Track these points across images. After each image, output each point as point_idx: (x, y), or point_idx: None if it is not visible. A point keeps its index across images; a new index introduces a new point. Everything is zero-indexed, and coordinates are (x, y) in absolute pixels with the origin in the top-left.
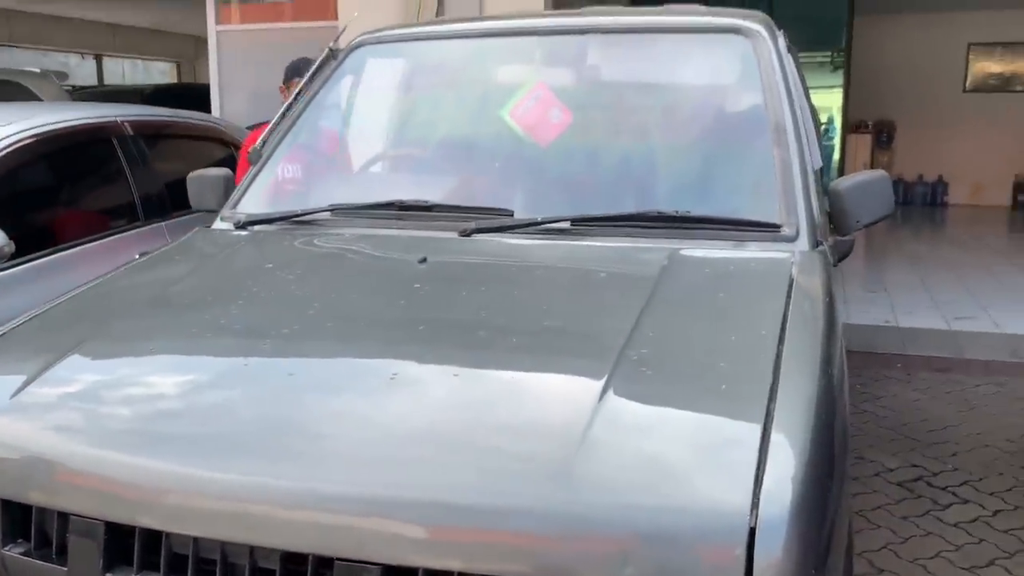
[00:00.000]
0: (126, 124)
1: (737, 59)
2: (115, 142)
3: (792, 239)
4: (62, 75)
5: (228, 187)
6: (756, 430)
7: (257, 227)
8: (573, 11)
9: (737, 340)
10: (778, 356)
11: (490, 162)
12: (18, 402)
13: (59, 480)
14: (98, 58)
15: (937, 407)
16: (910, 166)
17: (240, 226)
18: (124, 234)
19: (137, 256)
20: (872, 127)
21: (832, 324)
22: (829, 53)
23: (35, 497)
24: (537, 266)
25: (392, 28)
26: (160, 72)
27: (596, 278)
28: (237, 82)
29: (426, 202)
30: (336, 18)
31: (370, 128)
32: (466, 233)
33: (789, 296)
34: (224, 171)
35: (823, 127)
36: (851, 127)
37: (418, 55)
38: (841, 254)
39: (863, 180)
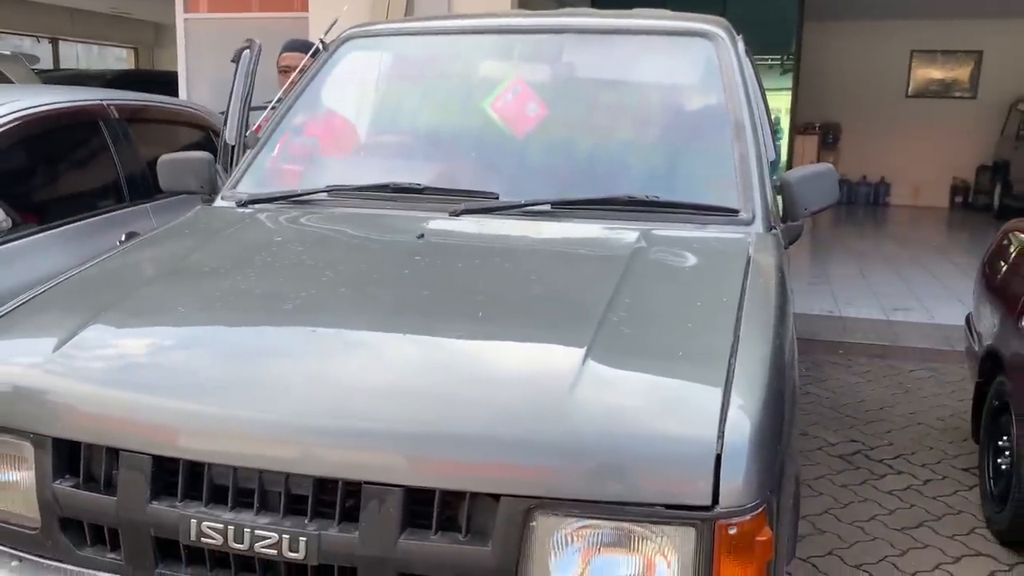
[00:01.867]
0: (112, 107)
1: (701, 60)
2: (102, 125)
3: (749, 222)
4: (33, 58)
5: (211, 170)
6: (720, 378)
7: (258, 205)
8: (550, 11)
9: (702, 306)
10: (738, 320)
11: (476, 149)
12: (62, 354)
13: (111, 420)
14: (54, 42)
15: (875, 389)
16: (854, 167)
17: (242, 204)
18: (111, 214)
19: (123, 236)
20: (819, 128)
21: (783, 296)
22: (779, 56)
23: (86, 436)
24: (523, 242)
25: (378, 23)
26: (116, 58)
27: (577, 253)
28: (204, 70)
29: (418, 184)
30: (304, 10)
31: (360, 116)
32: (456, 213)
33: (747, 271)
34: (206, 155)
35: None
36: (799, 128)
37: (404, 49)
38: (791, 238)
39: (811, 172)
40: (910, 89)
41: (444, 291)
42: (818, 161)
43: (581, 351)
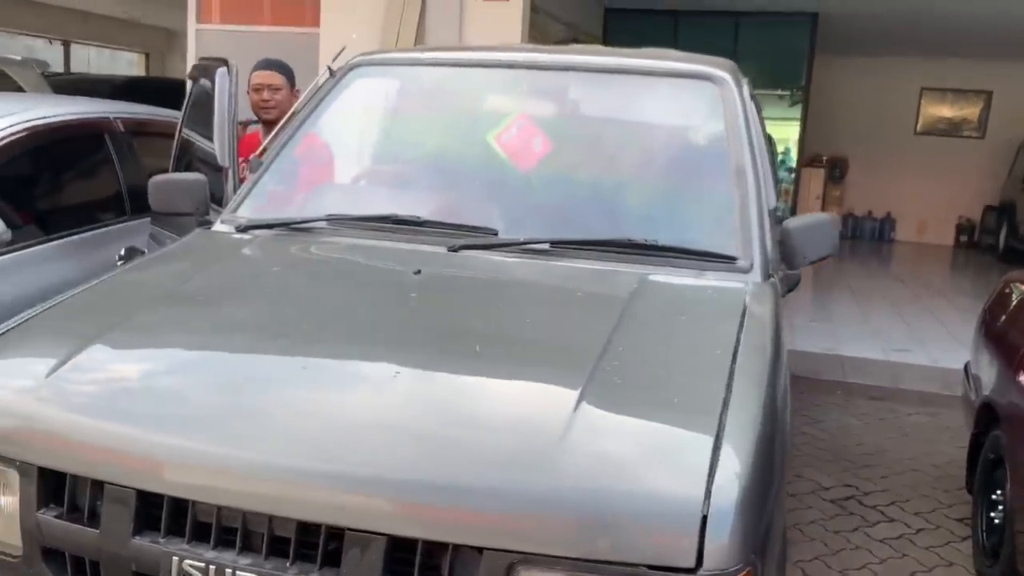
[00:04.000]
0: (118, 121)
1: (705, 104)
2: (107, 138)
3: (747, 271)
4: (43, 64)
5: (205, 191)
6: (710, 435)
7: (257, 232)
8: (558, 47)
9: (695, 358)
10: (731, 373)
11: (477, 184)
12: (53, 381)
13: (97, 452)
14: (66, 45)
15: (872, 433)
16: (860, 201)
17: (241, 230)
18: (112, 227)
19: (123, 250)
20: (826, 162)
21: (778, 348)
22: (789, 89)
23: (72, 467)
24: (520, 282)
25: (386, 52)
26: (127, 62)
27: (574, 296)
28: None
29: (418, 218)
30: (316, 24)
31: (364, 144)
32: (454, 249)
33: (742, 322)
34: (200, 176)
35: (779, 158)
36: (806, 160)
37: (411, 79)
38: (789, 286)
39: (811, 222)
40: (919, 126)
41: (437, 330)
42: (824, 193)
43: (572, 399)
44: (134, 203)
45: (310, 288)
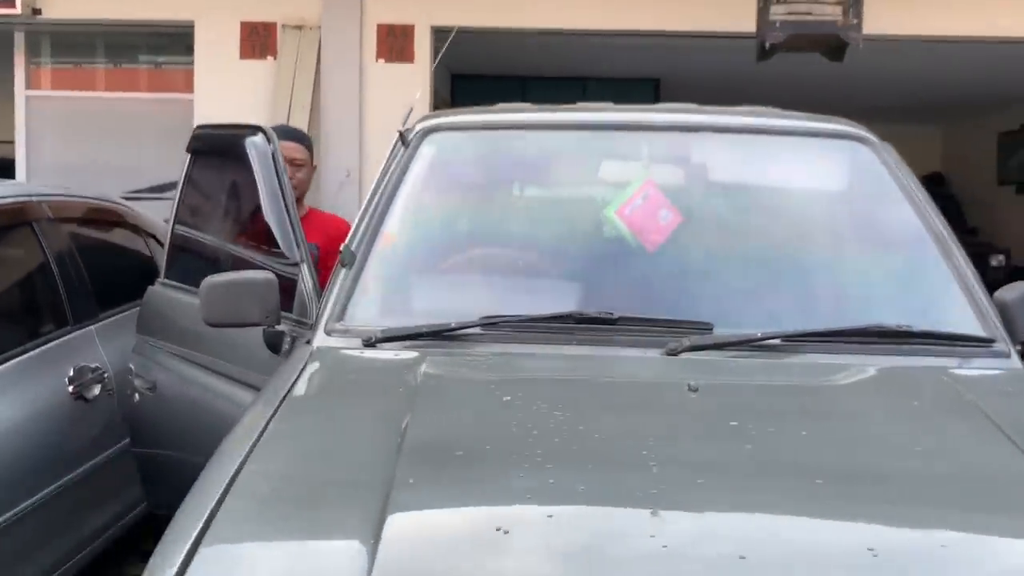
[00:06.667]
0: (45, 205)
1: (867, 167)
2: (35, 229)
3: (1007, 355)
4: None
5: (276, 294)
6: None
7: (393, 344)
8: (656, 106)
9: None
10: None
11: (668, 268)
12: None
13: None
14: None
15: None
16: None
17: (370, 344)
18: (55, 342)
19: (71, 371)
20: None
21: None
22: None
23: None
24: (810, 389)
25: (462, 114)
26: None
27: (909, 406)
28: (46, 153)
29: (610, 314)
30: (153, 90)
31: (477, 226)
32: (673, 352)
33: None
34: (269, 275)
35: None
36: None
37: (502, 144)
38: None
39: None
40: None
41: (809, 472)
42: None
43: None
44: (76, 310)
45: (592, 427)
